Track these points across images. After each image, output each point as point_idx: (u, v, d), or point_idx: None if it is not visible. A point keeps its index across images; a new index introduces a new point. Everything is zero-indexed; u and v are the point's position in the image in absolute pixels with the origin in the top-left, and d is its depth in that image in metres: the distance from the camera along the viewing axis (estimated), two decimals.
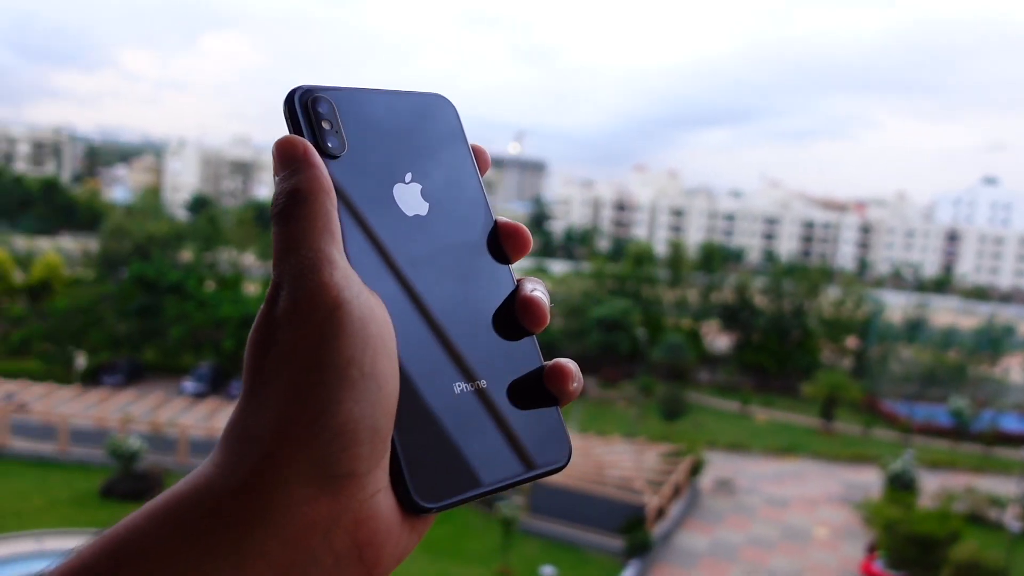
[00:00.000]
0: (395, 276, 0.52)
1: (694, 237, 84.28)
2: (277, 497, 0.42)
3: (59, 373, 33.52)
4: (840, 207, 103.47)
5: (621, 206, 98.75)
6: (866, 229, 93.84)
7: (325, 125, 0.52)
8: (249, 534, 0.41)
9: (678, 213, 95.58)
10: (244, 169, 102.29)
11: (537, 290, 0.58)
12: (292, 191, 0.48)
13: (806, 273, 50.09)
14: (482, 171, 0.60)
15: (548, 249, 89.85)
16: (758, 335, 45.62)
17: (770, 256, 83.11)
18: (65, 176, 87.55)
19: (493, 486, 0.52)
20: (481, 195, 0.59)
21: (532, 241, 0.60)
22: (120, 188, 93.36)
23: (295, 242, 0.47)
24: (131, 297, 36.43)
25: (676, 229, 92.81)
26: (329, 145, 0.52)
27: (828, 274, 54.47)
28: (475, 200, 0.58)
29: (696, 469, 28.03)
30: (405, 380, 0.49)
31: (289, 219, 0.48)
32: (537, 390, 0.56)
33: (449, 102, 0.61)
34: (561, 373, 0.56)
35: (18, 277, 39.94)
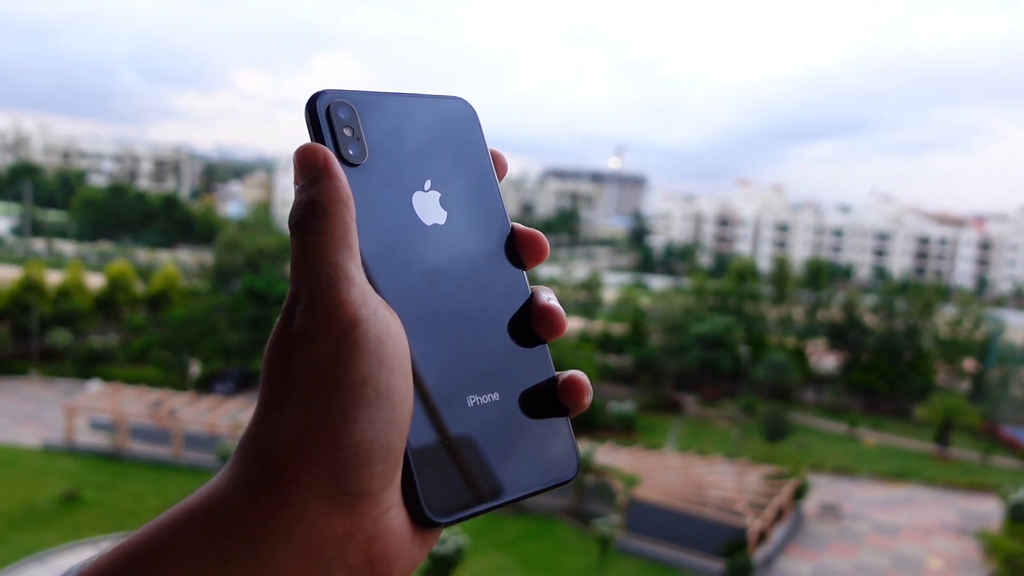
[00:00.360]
0: (412, 288, 0.51)
1: (800, 253, 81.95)
2: (292, 513, 0.42)
3: (175, 380, 35.10)
4: (957, 222, 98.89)
5: (723, 221, 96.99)
6: (986, 245, 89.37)
7: (346, 132, 0.52)
8: (264, 548, 0.42)
9: (783, 228, 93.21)
10: None
11: (552, 299, 0.58)
12: (310, 202, 0.48)
13: (920, 291, 48.05)
14: (500, 176, 0.60)
15: (648, 264, 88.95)
16: (867, 355, 43.96)
17: (881, 273, 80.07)
18: (184, 192, 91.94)
19: (503, 500, 0.52)
20: (499, 201, 0.58)
21: (549, 248, 0.59)
22: (234, 203, 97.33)
23: (313, 256, 0.47)
24: (242, 308, 37.90)
25: (781, 245, 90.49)
26: (350, 152, 0.52)
27: (944, 292, 52.06)
28: (493, 207, 0.58)
29: (800, 492, 27.16)
30: (421, 395, 0.49)
31: (307, 231, 0.47)
32: (549, 400, 0.56)
33: (470, 106, 0.60)
34: (577, 386, 0.56)
35: (139, 288, 42.08)
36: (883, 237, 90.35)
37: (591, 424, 35.12)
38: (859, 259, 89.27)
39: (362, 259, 0.49)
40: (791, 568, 23.94)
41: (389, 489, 0.46)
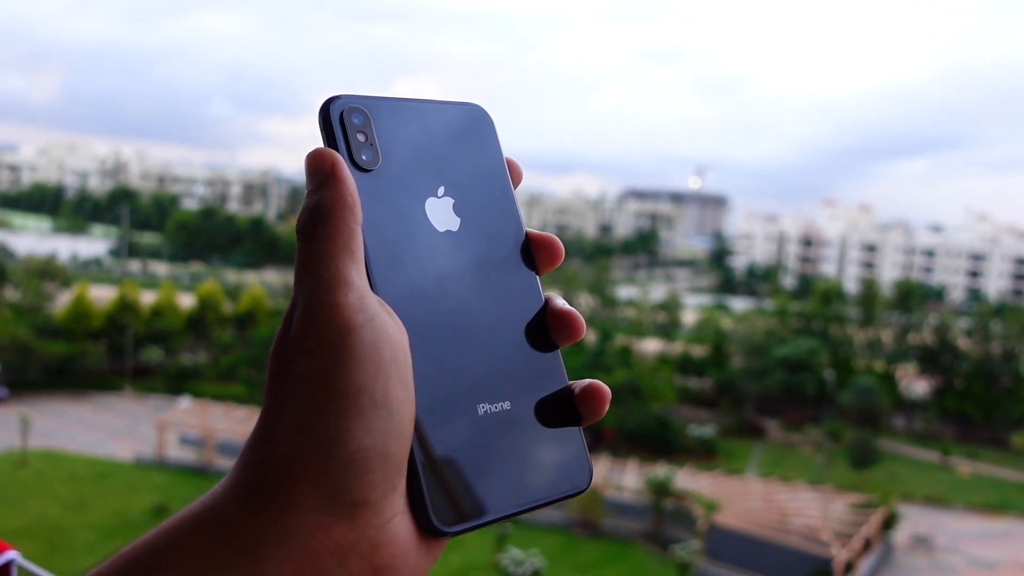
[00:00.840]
0: (422, 294, 0.51)
1: (888, 274, 79.49)
2: (291, 523, 0.42)
3: (260, 397, 36.01)
4: None
5: (808, 241, 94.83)
6: None
7: (360, 137, 0.52)
8: (264, 557, 0.41)
9: (871, 248, 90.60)
10: None
11: (568, 305, 0.57)
12: (315, 207, 0.48)
13: (1017, 313, 46.03)
14: (515, 183, 0.59)
15: (728, 286, 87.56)
16: (961, 380, 42.26)
17: (976, 295, 77.05)
18: (271, 214, 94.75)
19: (512, 510, 0.51)
20: (513, 208, 0.58)
21: (564, 252, 0.58)
22: None
23: (314, 261, 0.47)
24: None
25: (868, 266, 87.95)
26: (363, 158, 0.51)
27: None
28: (507, 214, 0.57)
29: (889, 523, 26.19)
30: (428, 402, 0.48)
31: (310, 236, 0.47)
32: (563, 409, 0.55)
33: (486, 113, 0.59)
34: (600, 394, 0.55)
35: (227, 308, 43.47)
36: (978, 257, 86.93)
37: (670, 447, 34.64)
38: (952, 280, 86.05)
39: (371, 265, 0.49)
40: None
41: (392, 497, 0.45)
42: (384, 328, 0.46)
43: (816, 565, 22.61)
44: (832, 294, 47.85)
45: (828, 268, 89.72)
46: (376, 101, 0.54)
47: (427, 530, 0.47)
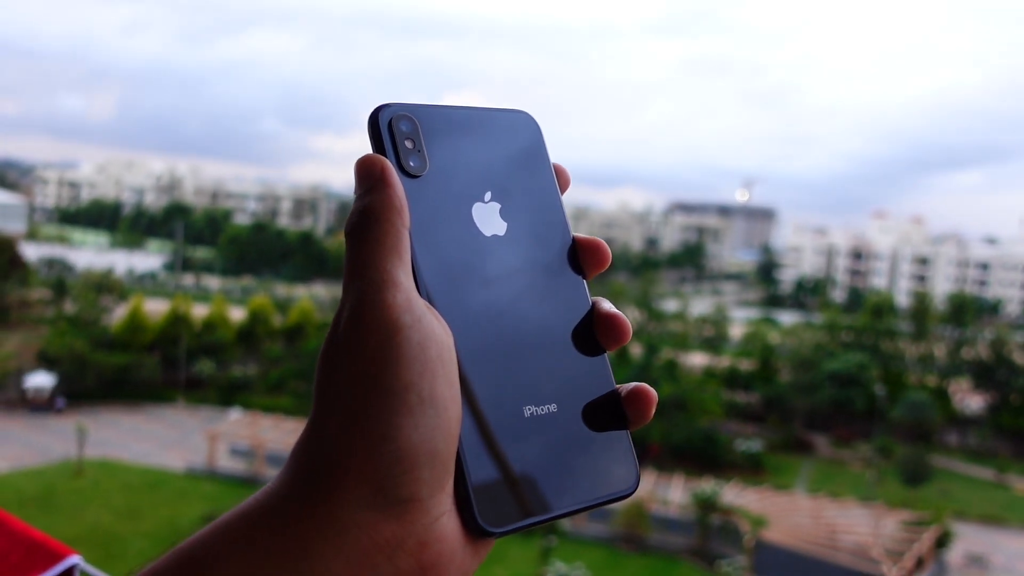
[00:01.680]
0: (470, 297, 0.52)
1: (941, 287, 77.85)
2: (342, 519, 0.43)
3: (309, 409, 36.54)
4: None
5: (858, 254, 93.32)
6: None
7: (408, 144, 0.53)
8: (315, 553, 0.42)
9: (923, 261, 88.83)
10: None
11: (615, 308, 0.58)
12: (364, 210, 0.49)
13: None
14: (563, 189, 0.60)
15: (776, 299, 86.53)
16: (1017, 396, 41.19)
17: None
18: (320, 229, 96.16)
19: (559, 512, 0.51)
20: (560, 213, 0.59)
21: (610, 256, 0.59)
22: None
23: (363, 262, 0.48)
24: None
25: (920, 279, 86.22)
26: (411, 164, 0.53)
27: None
28: (554, 219, 0.58)
29: (943, 541, 25.62)
30: (475, 402, 0.49)
31: (359, 239, 0.48)
32: (610, 412, 0.55)
33: (533, 120, 0.60)
34: (644, 396, 0.55)
35: (277, 321, 44.24)
36: None
37: (716, 462, 34.32)
38: (1008, 294, 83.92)
39: (419, 268, 0.50)
40: None
41: (439, 496, 0.45)
42: (431, 328, 0.47)
43: None
44: (883, 307, 47.04)
45: (879, 281, 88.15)
46: (424, 108, 0.55)
47: (473, 530, 0.47)
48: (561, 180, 0.60)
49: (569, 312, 0.56)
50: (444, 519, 0.46)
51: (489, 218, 0.55)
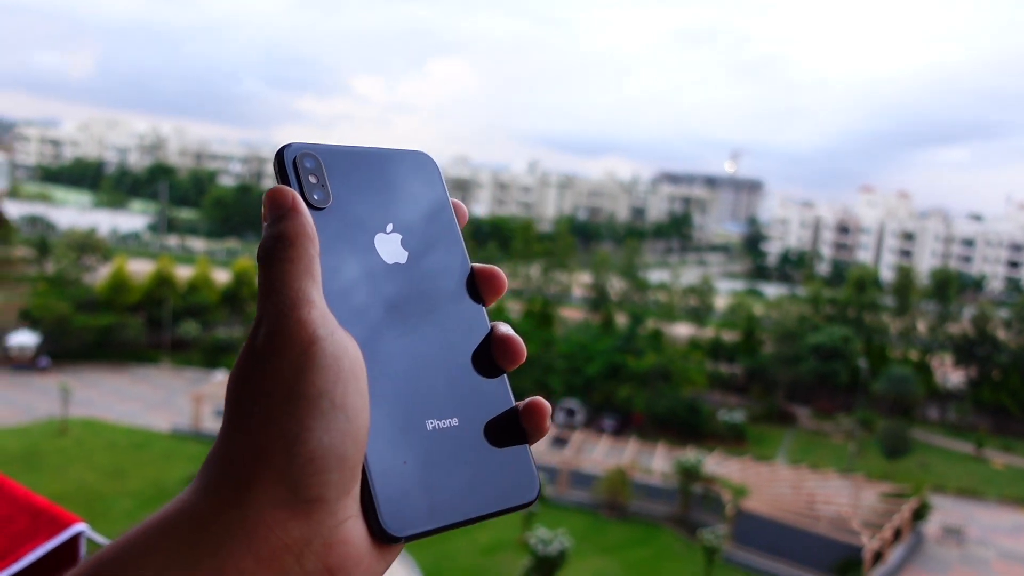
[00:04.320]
0: (373, 318, 0.55)
1: (926, 263, 78.36)
2: (252, 517, 0.45)
3: None
4: None
5: (844, 228, 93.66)
6: None
7: (312, 179, 0.57)
8: (227, 551, 0.44)
9: (908, 237, 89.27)
10: (463, 187, 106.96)
11: (511, 331, 0.61)
12: (278, 235, 0.52)
13: None
14: (461, 223, 0.64)
15: (762, 272, 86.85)
16: (999, 371, 41.66)
17: (1016, 285, 75.69)
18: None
19: (461, 519, 0.53)
20: (459, 244, 0.62)
21: (506, 284, 0.63)
22: None
23: (278, 283, 0.51)
24: None
25: (905, 254, 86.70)
26: (315, 197, 0.56)
27: None
28: (454, 249, 0.62)
29: (921, 513, 26.00)
30: (379, 414, 0.52)
31: (274, 261, 0.51)
32: (509, 428, 0.59)
33: (431, 159, 0.64)
34: (538, 410, 0.58)
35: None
36: (1018, 247, 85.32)
37: (699, 432, 34.59)
38: (992, 270, 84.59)
39: (326, 293, 0.53)
40: None
41: (345, 499, 0.48)
42: (343, 342, 0.50)
43: (845, 553, 22.54)
44: (866, 281, 47.27)
45: (864, 256, 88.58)
46: (327, 148, 0.59)
47: (378, 535, 0.50)
48: (459, 214, 0.64)
49: (469, 335, 0.59)
50: (350, 523, 0.48)
51: (391, 247, 0.58)
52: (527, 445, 0.59)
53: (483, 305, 0.62)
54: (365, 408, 0.50)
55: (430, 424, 0.55)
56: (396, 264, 0.58)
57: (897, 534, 24.69)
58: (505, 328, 0.61)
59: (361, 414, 0.49)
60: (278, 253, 0.52)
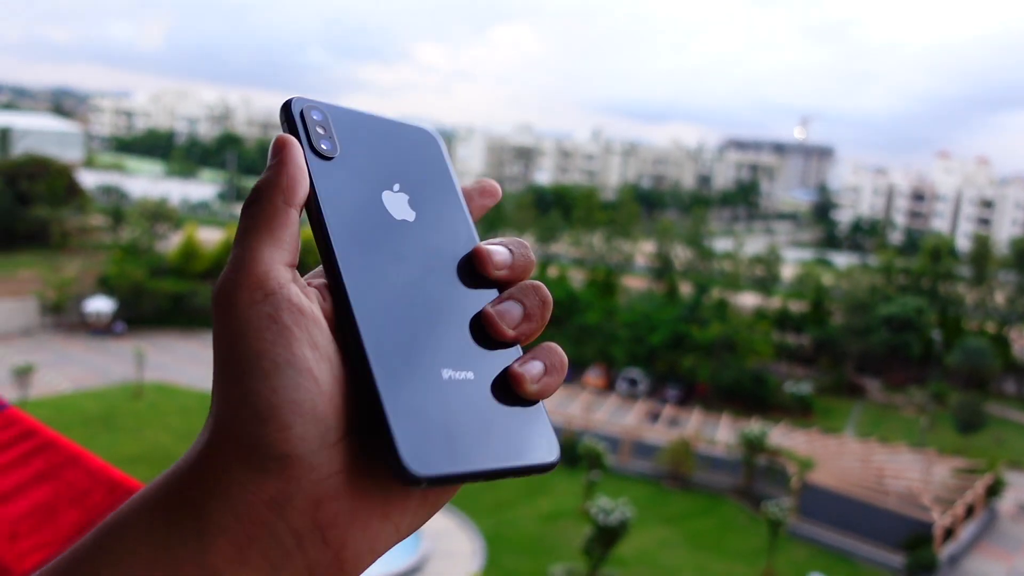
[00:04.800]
0: (382, 268, 0.54)
1: (1006, 232, 75.54)
2: (224, 478, 0.45)
3: None
4: None
5: (919, 196, 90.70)
6: None
7: (319, 130, 0.56)
8: (206, 510, 0.45)
9: (987, 204, 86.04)
10: (526, 155, 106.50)
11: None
12: (255, 186, 0.52)
13: None
14: (492, 201, 0.62)
15: (832, 240, 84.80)
16: None
17: None
18: None
19: (482, 468, 0.51)
20: (467, 219, 0.61)
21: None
22: None
23: (239, 236, 0.50)
24: None
25: (984, 222, 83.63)
26: (323, 147, 0.56)
27: None
28: (461, 220, 0.60)
29: (995, 489, 25.25)
30: (395, 358, 0.51)
31: (243, 213, 0.51)
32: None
33: (436, 136, 0.64)
34: (517, 376, 0.54)
35: None
36: None
37: (764, 403, 34.09)
38: None
39: (331, 237, 0.53)
40: (981, 569, 22.36)
41: (324, 452, 0.46)
42: (286, 297, 0.48)
43: (914, 529, 22.04)
44: (941, 250, 45.74)
45: (940, 224, 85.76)
46: (335, 106, 0.58)
47: (400, 475, 0.47)
48: (490, 192, 0.62)
49: (479, 294, 0.57)
50: (339, 478, 0.46)
51: (398, 205, 0.58)
52: (542, 406, 0.56)
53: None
54: (325, 358, 0.48)
55: (446, 373, 0.53)
56: (404, 221, 0.57)
57: (970, 511, 24.02)
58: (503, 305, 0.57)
59: (318, 365, 0.47)
60: (246, 206, 0.51)
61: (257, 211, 0.51)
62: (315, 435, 0.46)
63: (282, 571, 0.45)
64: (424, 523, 0.52)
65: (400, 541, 0.50)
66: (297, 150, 0.54)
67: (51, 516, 1.03)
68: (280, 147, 0.53)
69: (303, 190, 0.52)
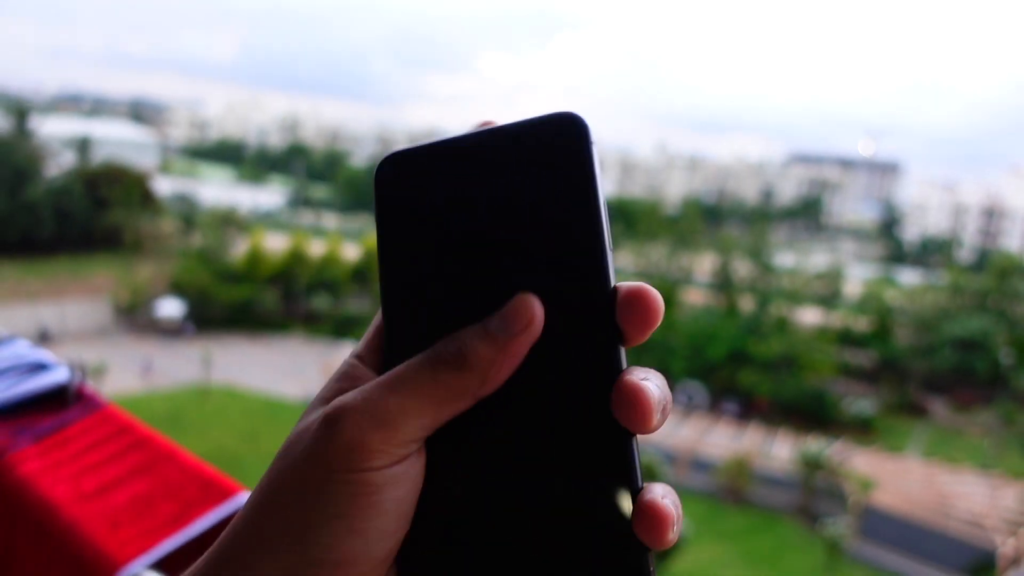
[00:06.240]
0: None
1: None
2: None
3: None
4: None
5: (989, 213, 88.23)
6: None
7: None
8: None
9: None
10: None
11: (649, 379, 0.45)
12: (464, 354, 0.44)
13: None
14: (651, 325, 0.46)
15: (898, 256, 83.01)
16: None
17: None
18: None
19: None
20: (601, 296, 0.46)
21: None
22: None
23: (399, 384, 0.44)
24: None
25: None
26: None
27: None
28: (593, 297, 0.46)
29: None
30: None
31: (430, 369, 0.44)
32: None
33: (578, 126, 0.46)
34: (659, 518, 0.44)
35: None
36: None
37: (824, 421, 33.62)
38: None
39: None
40: None
41: None
42: (406, 475, 0.44)
43: (978, 554, 21.57)
44: (1011, 269, 44.54)
45: (1012, 243, 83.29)
46: (427, 147, 0.48)
47: None
48: (645, 309, 0.46)
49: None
50: None
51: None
52: (648, 551, 0.44)
53: (620, 344, 0.45)
54: (394, 533, 0.44)
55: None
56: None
57: None
58: (641, 377, 0.45)
59: (386, 538, 0.44)
60: (437, 364, 0.44)
61: (446, 383, 0.44)
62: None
63: None
64: None
65: None
66: (534, 335, 0.44)
67: (148, 508, 1.07)
68: (525, 324, 0.44)
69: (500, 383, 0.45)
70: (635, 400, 0.43)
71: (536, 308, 0.44)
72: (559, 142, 0.45)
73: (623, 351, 0.45)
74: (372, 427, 0.43)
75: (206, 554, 0.45)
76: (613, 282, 0.45)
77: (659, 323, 0.46)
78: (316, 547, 0.43)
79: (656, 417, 0.44)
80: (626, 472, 0.43)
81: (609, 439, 0.43)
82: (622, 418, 0.43)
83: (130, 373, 31.57)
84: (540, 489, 0.43)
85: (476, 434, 0.45)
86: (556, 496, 0.43)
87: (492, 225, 0.45)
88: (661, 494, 0.44)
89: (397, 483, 0.43)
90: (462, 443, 0.44)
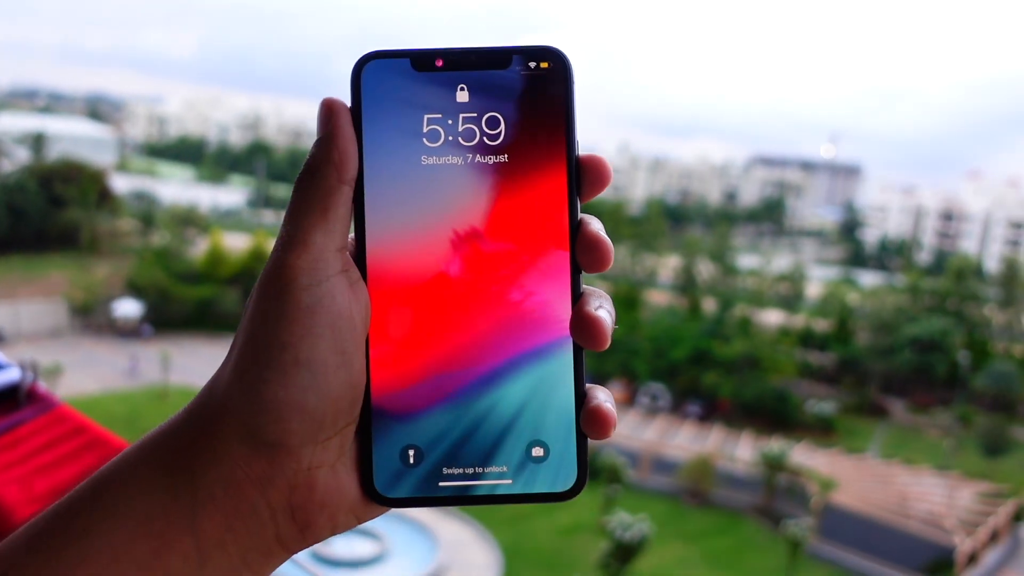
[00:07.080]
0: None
1: None
2: (220, 450, 0.47)
3: None
4: None
5: (947, 216, 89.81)
6: None
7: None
8: (202, 478, 0.47)
9: (1018, 226, 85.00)
10: None
11: (603, 308, 0.52)
12: (307, 163, 0.49)
13: None
14: (602, 186, 0.55)
15: (858, 259, 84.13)
16: None
17: None
18: None
19: (471, 495, 0.49)
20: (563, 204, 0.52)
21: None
22: None
23: (289, 216, 0.49)
24: None
25: (1015, 244, 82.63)
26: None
27: None
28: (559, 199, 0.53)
29: (1020, 515, 24.93)
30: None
31: (293, 190, 0.49)
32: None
33: (561, 62, 0.52)
34: (602, 420, 0.51)
35: None
36: None
37: (786, 422, 33.87)
38: None
39: (364, 224, 0.49)
40: None
41: (310, 448, 0.48)
42: (329, 294, 0.48)
43: (937, 553, 21.82)
44: (967, 271, 45.28)
45: (969, 245, 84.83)
46: (410, 53, 0.52)
47: (368, 492, 0.49)
48: (598, 176, 0.55)
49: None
50: (321, 472, 0.48)
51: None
52: (584, 436, 0.51)
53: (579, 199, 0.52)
54: (346, 365, 0.48)
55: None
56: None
57: (994, 536, 23.73)
58: (595, 306, 0.51)
59: (335, 372, 0.47)
60: (297, 182, 0.49)
61: (311, 188, 0.48)
62: (308, 432, 0.47)
63: (256, 538, 0.48)
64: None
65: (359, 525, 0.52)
66: (346, 118, 0.49)
67: None
68: (328, 114, 0.50)
69: (355, 166, 0.49)
70: (593, 330, 0.50)
71: (332, 101, 0.50)
72: (542, 70, 0.50)
73: (581, 277, 0.51)
74: (289, 248, 0.47)
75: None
76: (580, 213, 0.51)
77: (608, 185, 0.53)
78: (266, 385, 0.47)
79: (608, 340, 0.50)
80: (578, 378, 0.50)
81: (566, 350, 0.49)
82: (579, 340, 0.50)
83: (86, 374, 30.87)
84: (491, 359, 0.48)
85: (429, 314, 0.49)
86: (506, 364, 0.49)
87: (472, 132, 0.49)
88: (604, 398, 0.51)
89: (322, 305, 0.47)
90: (415, 319, 0.48)
